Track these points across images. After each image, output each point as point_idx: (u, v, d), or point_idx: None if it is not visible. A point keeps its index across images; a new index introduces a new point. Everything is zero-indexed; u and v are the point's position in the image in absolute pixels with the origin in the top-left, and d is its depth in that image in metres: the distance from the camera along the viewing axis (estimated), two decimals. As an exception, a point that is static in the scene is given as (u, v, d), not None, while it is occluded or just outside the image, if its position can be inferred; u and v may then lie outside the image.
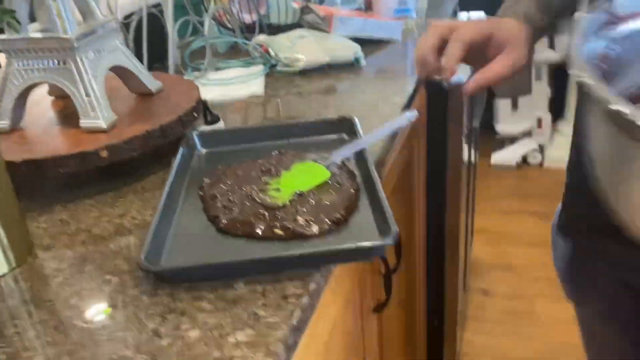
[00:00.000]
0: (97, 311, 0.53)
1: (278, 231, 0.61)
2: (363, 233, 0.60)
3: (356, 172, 0.72)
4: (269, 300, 0.52)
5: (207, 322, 0.50)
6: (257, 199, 0.66)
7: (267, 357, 0.46)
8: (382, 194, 0.62)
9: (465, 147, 1.39)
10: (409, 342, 1.28)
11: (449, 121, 1.27)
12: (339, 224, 0.62)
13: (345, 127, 0.83)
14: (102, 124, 0.76)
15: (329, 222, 0.61)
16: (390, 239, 0.55)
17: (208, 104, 0.87)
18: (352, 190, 0.66)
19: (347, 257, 0.58)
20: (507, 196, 2.54)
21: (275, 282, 0.54)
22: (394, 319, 1.05)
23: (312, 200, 0.65)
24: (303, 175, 0.69)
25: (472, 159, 1.77)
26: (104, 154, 0.72)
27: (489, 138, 2.78)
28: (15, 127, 0.80)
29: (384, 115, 0.91)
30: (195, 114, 0.83)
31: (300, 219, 0.62)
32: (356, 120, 0.81)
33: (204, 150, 0.82)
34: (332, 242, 0.59)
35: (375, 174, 0.66)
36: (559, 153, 2.66)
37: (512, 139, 2.81)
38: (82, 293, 0.56)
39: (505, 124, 2.76)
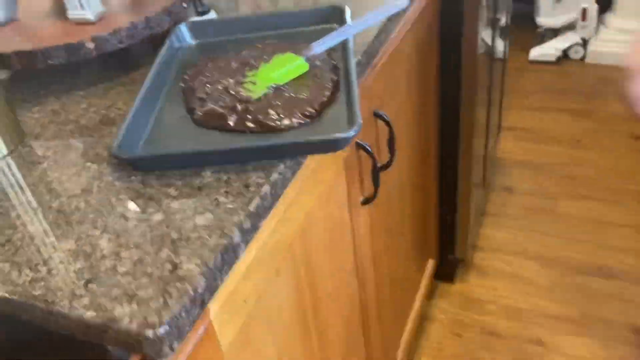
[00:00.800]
0: (72, 194, 0.56)
1: (249, 124, 0.61)
2: (333, 126, 0.60)
3: (341, 64, 0.71)
4: (231, 188, 0.54)
5: (171, 206, 0.53)
6: (232, 92, 0.66)
7: (221, 238, 0.49)
8: (355, 86, 0.61)
9: (485, 38, 1.33)
10: (418, 233, 1.31)
11: (464, 9, 1.20)
12: (312, 118, 0.62)
13: (336, 16, 0.80)
14: (90, 15, 0.76)
15: (301, 115, 0.62)
16: (352, 131, 0.55)
17: (198, -6, 0.85)
18: (329, 84, 0.65)
19: (309, 149, 0.59)
20: (543, 92, 2.45)
21: (240, 172, 0.56)
22: (396, 211, 1.07)
23: (287, 94, 0.65)
24: (281, 68, 0.68)
25: (503, 52, 1.69)
26: (90, 45, 0.73)
27: (529, 31, 2.63)
28: (10, 19, 0.81)
29: (381, 2, 0.87)
30: (184, 4, 0.82)
31: (272, 112, 0.62)
32: (347, 8, 0.79)
33: (193, 42, 0.82)
34: (300, 135, 0.60)
35: (352, 65, 0.65)
36: (603, 48, 2.51)
37: (553, 32, 2.65)
38: (62, 178, 0.59)
39: (546, 16, 2.59)
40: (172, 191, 0.55)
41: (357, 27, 0.72)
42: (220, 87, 0.68)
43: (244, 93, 0.65)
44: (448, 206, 1.52)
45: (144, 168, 0.58)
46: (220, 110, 0.64)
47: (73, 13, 0.76)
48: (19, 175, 0.61)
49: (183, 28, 0.81)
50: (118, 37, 0.74)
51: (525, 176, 2.03)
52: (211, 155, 0.57)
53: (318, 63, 0.70)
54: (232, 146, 0.57)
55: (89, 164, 0.61)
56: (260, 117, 0.62)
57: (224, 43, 0.81)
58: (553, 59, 2.63)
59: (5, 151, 0.64)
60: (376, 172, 0.82)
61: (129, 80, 0.77)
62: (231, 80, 0.68)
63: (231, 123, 0.62)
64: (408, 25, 0.99)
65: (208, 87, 0.68)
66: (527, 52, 2.65)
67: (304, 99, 0.64)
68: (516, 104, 2.36)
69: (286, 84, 0.66)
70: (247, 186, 0.54)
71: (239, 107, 0.64)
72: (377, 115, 0.87)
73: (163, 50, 0.76)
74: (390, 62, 0.92)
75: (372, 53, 0.78)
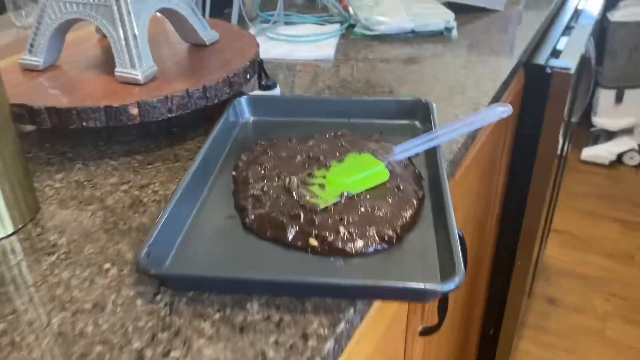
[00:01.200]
0: (80, 309, 0.44)
1: (313, 241, 0.49)
2: (418, 261, 0.48)
3: (424, 173, 0.58)
4: (284, 336, 0.41)
5: (203, 353, 0.40)
6: (294, 194, 0.54)
7: (266, 420, 0.36)
8: (452, 219, 0.49)
9: (560, 141, 1.21)
10: (458, 353, 1.15)
11: (547, 110, 1.09)
12: (391, 243, 0.49)
13: (420, 112, 0.69)
14: (139, 75, 0.66)
15: (377, 239, 0.49)
16: (452, 284, 0.42)
17: (264, 66, 0.75)
18: (413, 201, 0.53)
19: (391, 295, 0.46)
20: (594, 197, 2.30)
21: (297, 312, 0.43)
22: (443, 336, 0.93)
23: (362, 207, 0.52)
24: (356, 172, 0.56)
25: (564, 152, 1.57)
26: (134, 111, 0.62)
27: (583, 130, 2.52)
28: (49, 65, 0.71)
29: (468, 101, 0.76)
30: (247, 76, 0.72)
31: (343, 230, 0.50)
32: (433, 106, 0.67)
33: (251, 119, 0.71)
34: (377, 266, 0.47)
35: (446, 186, 0.53)
36: (661, 157, 2.38)
37: (608, 135, 2.53)
38: (72, 282, 0.47)
39: (604, 117, 2.48)
40: (206, 327, 0.42)
41: (449, 134, 0.61)
42: (280, 185, 0.56)
43: (309, 198, 0.53)
44: (492, 318, 1.36)
45: (175, 287, 0.45)
46: (279, 217, 0.51)
47: (121, 71, 0.66)
48: (22, 267, 0.49)
49: (243, 101, 0.71)
50: (168, 106, 0.64)
51: (571, 288, 1.86)
52: (261, 286, 0.45)
53: (398, 170, 0.58)
54: (294, 279, 0.45)
55: (107, 265, 0.49)
56: (326, 234, 0.49)
57: (287, 125, 0.69)
58: (606, 162, 2.50)
59: (11, 229, 0.53)
60: (446, 297, 0.69)
61: (173, 155, 0.65)
62: (294, 179, 0.56)
63: (290, 236, 0.50)
64: (489, 129, 0.88)
65: (265, 183, 0.56)
66: (579, 151, 2.53)
67: (381, 217, 0.51)
68: (565, 206, 2.21)
69: (361, 193, 0.54)
70: (305, 337, 0.41)
71: (302, 216, 0.51)
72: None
73: (218, 125, 0.65)
74: (466, 172, 0.80)
75: (456, 162, 0.66)
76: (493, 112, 0.63)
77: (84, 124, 0.62)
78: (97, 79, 0.69)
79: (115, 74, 0.67)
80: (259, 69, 0.75)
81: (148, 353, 0.40)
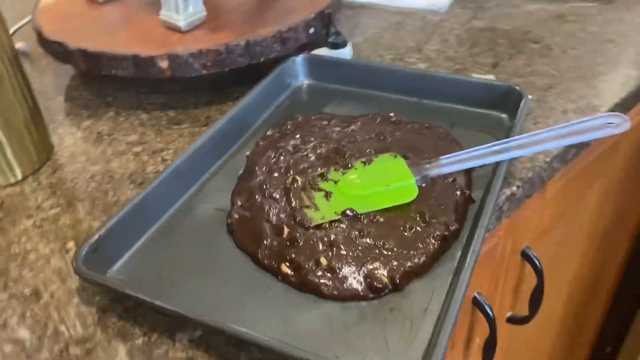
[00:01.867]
0: (14, 295, 0.40)
1: (284, 267, 0.39)
2: (404, 327, 0.36)
3: (479, 196, 0.44)
4: (198, 389, 0.34)
5: (102, 386, 0.34)
6: (292, 199, 0.44)
7: None
8: (461, 289, 0.35)
9: None
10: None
11: None
12: (380, 291, 0.38)
13: (511, 104, 0.53)
14: (180, 21, 0.58)
15: (364, 285, 0.38)
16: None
17: (333, 20, 0.63)
18: (432, 239, 0.40)
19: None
20: None
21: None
22: (535, 336, 0.78)
23: (363, 235, 0.41)
24: (375, 183, 0.44)
25: None
26: (163, 64, 0.55)
27: None
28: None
29: (593, 91, 0.57)
30: (310, 31, 0.61)
31: (325, 262, 0.39)
32: (527, 100, 0.51)
33: (306, 82, 0.61)
34: (348, 323, 0.36)
35: (480, 230, 0.39)
36: None
37: None
38: (28, 259, 0.43)
39: None
40: (121, 353, 0.36)
41: (528, 146, 0.45)
42: (283, 183, 0.46)
43: (306, 208, 0.43)
44: (612, 335, 1.15)
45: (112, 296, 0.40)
46: (260, 226, 0.42)
47: (165, 14, 0.59)
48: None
49: (298, 61, 0.60)
50: (201, 61, 0.56)
51: None
52: (190, 321, 0.37)
53: (438, 188, 0.44)
54: (223, 327, 0.35)
55: (71, 244, 0.44)
56: (302, 262, 0.39)
57: (345, 96, 0.58)
58: None
59: (19, 175, 0.51)
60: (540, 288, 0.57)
61: (205, 117, 0.58)
62: (299, 179, 0.46)
63: (261, 254, 0.41)
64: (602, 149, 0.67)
65: (270, 175, 0.47)
66: None
67: (383, 253, 0.39)
68: None
69: (371, 213, 0.42)
70: (220, 398, 0.33)
71: (285, 231, 0.42)
72: (525, 256, 0.59)
73: (258, 87, 0.56)
74: (562, 192, 0.62)
75: (539, 182, 0.50)
76: (601, 122, 0.45)
77: (113, 71, 0.57)
78: (147, 20, 0.63)
79: (160, 16, 0.60)
80: (327, 23, 0.63)
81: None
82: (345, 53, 0.63)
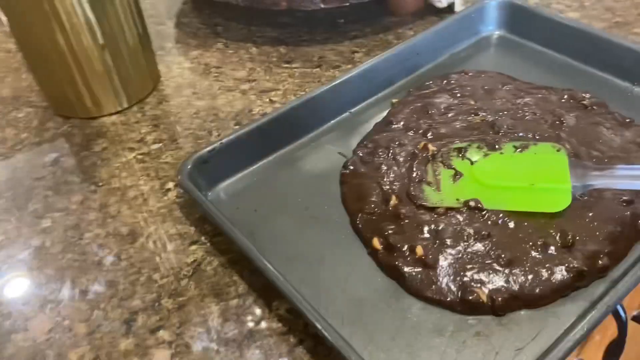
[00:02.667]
0: (110, 234, 0.38)
1: (376, 243, 0.34)
2: (487, 359, 0.30)
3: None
4: (291, 368, 0.30)
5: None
6: (414, 168, 0.38)
7: None
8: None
9: None
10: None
11: None
12: (475, 310, 0.32)
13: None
14: (302, -54, 0.52)
15: (457, 294, 0.32)
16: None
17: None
18: (563, 273, 0.32)
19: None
20: None
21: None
22: None
23: (481, 234, 0.34)
24: (522, 175, 0.36)
25: None
26: (280, -6, 0.50)
27: None
28: None
29: None
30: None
31: (421, 251, 0.33)
32: None
33: (497, 33, 0.52)
34: (418, 323, 0.31)
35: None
36: None
37: None
38: (129, 194, 0.41)
39: None
40: (209, 319, 0.33)
41: None
42: (412, 146, 0.40)
43: (425, 184, 0.37)
44: None
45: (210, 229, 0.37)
46: (369, 189, 0.37)
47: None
48: (101, 155, 0.45)
49: (495, 5, 0.51)
50: (321, -7, 0.50)
51: None
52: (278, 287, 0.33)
53: (601, 207, 0.34)
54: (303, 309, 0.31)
55: (170, 184, 0.42)
56: (396, 241, 0.34)
57: (539, 59, 0.49)
58: None
59: (125, 103, 0.49)
60: None
61: (317, 57, 0.53)
62: (431, 147, 0.39)
63: (357, 218, 0.36)
64: None
65: (402, 134, 0.41)
66: None
67: (493, 266, 0.32)
68: None
69: (501, 212, 0.35)
70: (315, 382, 0.30)
71: (391, 202, 0.36)
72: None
73: (438, 27, 0.49)
74: None
75: None
76: None
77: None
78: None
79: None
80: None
81: (139, 320, 0.33)
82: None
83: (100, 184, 0.42)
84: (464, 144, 0.39)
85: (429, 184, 0.37)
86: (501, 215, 0.35)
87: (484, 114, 0.42)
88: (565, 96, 0.44)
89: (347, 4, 0.51)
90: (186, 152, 0.44)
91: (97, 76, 0.46)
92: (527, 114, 0.42)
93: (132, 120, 0.48)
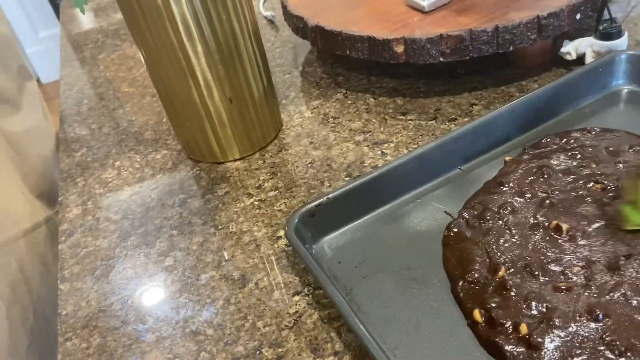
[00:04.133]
0: (223, 276, 0.41)
1: (477, 316, 0.33)
2: None
3: None
4: None
5: (285, 399, 0.33)
6: (530, 239, 0.36)
7: None
8: None
9: None
10: None
11: None
12: None
13: None
14: (424, 0, 0.53)
15: None
16: None
17: (608, 3, 0.51)
18: None
19: None
20: None
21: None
22: None
23: (596, 316, 0.31)
24: None
25: None
26: (399, 49, 0.51)
27: None
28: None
29: None
30: (577, 16, 0.50)
31: (524, 329, 0.31)
32: None
33: (627, 87, 0.49)
34: None
35: None
36: None
37: None
38: (242, 240, 0.44)
39: None
40: (312, 366, 0.34)
41: None
42: (530, 211, 0.38)
43: (624, 205, 0.35)
44: None
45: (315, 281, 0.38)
46: (476, 252, 0.36)
47: (409, -9, 0.55)
48: (223, 200, 0.48)
49: (625, 58, 0.49)
50: (440, 47, 0.50)
51: None
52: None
53: None
54: None
55: (281, 232, 0.44)
56: (500, 315, 0.32)
57: None
58: None
59: (249, 151, 0.52)
60: None
61: (434, 109, 0.53)
62: (563, 227, 0.37)
63: (460, 287, 0.35)
64: None
65: (520, 196, 0.40)
66: None
67: None
68: None
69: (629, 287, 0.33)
70: None
71: (501, 272, 0.35)
72: None
73: (562, 81, 0.47)
74: None
75: None
76: None
77: (348, 52, 0.54)
78: (391, 3, 0.58)
79: (404, -6, 0.56)
80: (601, 6, 0.51)
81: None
82: (620, 45, 0.51)
83: (220, 227, 0.46)
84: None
85: (630, 203, 0.35)
86: (620, 292, 0.32)
87: (606, 182, 0.39)
88: None
89: (467, 57, 0.50)
90: (299, 200, 0.46)
91: (224, 126, 0.50)
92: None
93: (254, 166, 0.51)
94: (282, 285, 0.40)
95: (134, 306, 0.41)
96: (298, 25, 0.59)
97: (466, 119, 0.51)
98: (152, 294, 0.42)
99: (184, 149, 0.55)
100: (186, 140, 0.53)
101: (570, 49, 0.53)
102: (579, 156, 0.42)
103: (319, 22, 0.56)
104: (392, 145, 0.50)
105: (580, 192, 0.39)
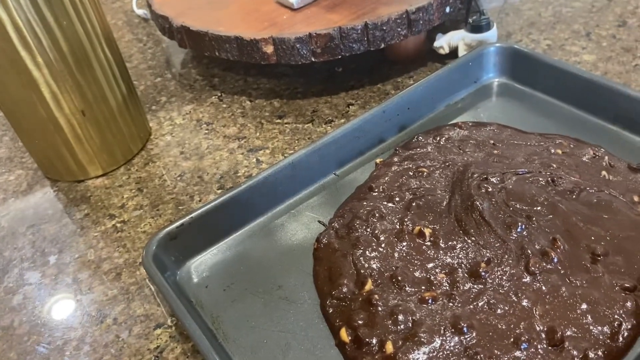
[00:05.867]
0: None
1: (344, 335, 0.31)
2: None
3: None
4: None
5: None
6: (396, 247, 0.35)
7: None
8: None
9: None
10: None
11: None
12: None
13: None
14: (293, -3, 0.51)
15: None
16: None
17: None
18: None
19: None
20: None
21: None
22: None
23: (460, 328, 0.30)
24: None
25: None
26: (269, 49, 0.48)
27: None
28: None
29: None
30: (446, 9, 0.50)
31: (390, 348, 0.30)
32: None
33: (497, 80, 0.49)
34: None
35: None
36: None
37: None
38: (109, 263, 0.40)
39: None
40: None
41: None
42: (397, 218, 0.37)
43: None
44: None
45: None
46: (344, 265, 0.35)
47: (277, -13, 0.52)
48: (82, 223, 0.44)
49: (494, 51, 0.48)
50: (310, 47, 0.48)
51: None
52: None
53: (583, 283, 0.32)
54: None
55: (139, 255, 0.40)
56: (366, 334, 0.30)
57: (549, 109, 0.45)
58: None
59: (106, 168, 0.48)
60: None
61: (311, 110, 0.51)
62: (425, 232, 0.36)
63: (328, 303, 0.33)
64: None
65: (388, 200, 0.38)
66: None
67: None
68: None
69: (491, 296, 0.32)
70: None
71: (368, 286, 0.33)
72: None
73: (432, 78, 0.46)
74: None
75: None
76: None
77: (217, 53, 0.51)
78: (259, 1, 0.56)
79: (272, -10, 0.53)
80: (469, 0, 0.51)
81: None
82: (490, 37, 0.51)
83: (77, 255, 0.41)
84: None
85: None
86: (484, 301, 0.31)
87: (477, 176, 0.38)
88: (594, 150, 0.40)
89: (339, 57, 0.48)
90: (165, 219, 0.43)
91: (79, 141, 0.45)
92: (528, 175, 0.38)
93: (117, 183, 0.47)
94: (143, 317, 0.36)
95: (-25, 356, 0.36)
96: (164, 25, 0.54)
97: (342, 120, 0.49)
98: (-3, 339, 0.37)
99: (39, 167, 0.49)
100: (40, 159, 0.48)
101: (443, 43, 0.53)
102: (453, 148, 0.41)
103: (184, 21, 0.52)
104: (267, 151, 0.47)
105: (445, 182, 0.38)
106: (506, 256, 0.33)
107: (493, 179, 0.37)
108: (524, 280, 0.32)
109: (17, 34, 0.39)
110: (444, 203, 0.37)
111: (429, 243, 0.35)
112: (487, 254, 0.33)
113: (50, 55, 0.41)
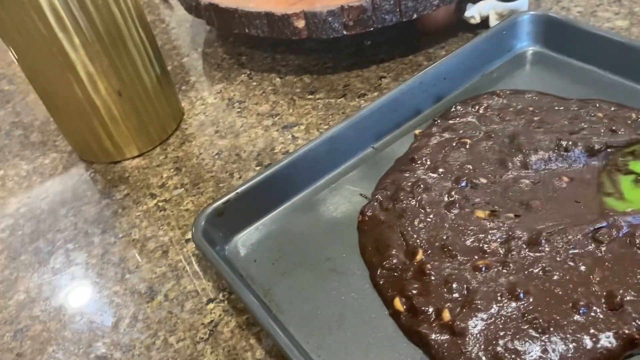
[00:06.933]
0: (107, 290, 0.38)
1: (398, 304, 0.31)
2: None
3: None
4: None
5: None
6: (449, 216, 0.35)
7: None
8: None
9: None
10: None
11: None
12: None
13: None
14: (322, -29, 0.50)
15: None
16: None
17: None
18: (612, 341, 0.29)
19: None
20: None
21: None
22: None
23: (517, 294, 0.30)
24: None
25: None
26: (300, 24, 0.48)
27: None
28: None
29: None
30: (476, -21, 0.49)
31: (447, 316, 0.30)
32: None
33: (532, 48, 0.48)
34: None
35: None
36: None
37: None
38: (154, 241, 0.40)
39: None
40: None
41: None
42: (444, 188, 0.37)
43: (605, 197, 0.34)
44: None
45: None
46: (392, 236, 0.35)
47: (305, -39, 0.51)
48: (123, 203, 0.44)
49: (528, 20, 0.47)
50: (342, 20, 0.48)
51: None
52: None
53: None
54: None
55: (190, 234, 0.41)
56: (421, 303, 0.31)
57: (576, 76, 0.45)
58: None
59: (142, 148, 0.48)
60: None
61: (343, 85, 0.51)
62: (480, 214, 0.36)
63: (378, 274, 0.33)
64: None
65: (433, 170, 0.38)
66: None
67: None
68: None
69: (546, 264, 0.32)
70: None
71: (419, 256, 0.33)
72: None
73: (466, 48, 0.46)
74: None
75: None
76: None
77: (246, 30, 0.51)
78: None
79: (299, -36, 0.52)
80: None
81: None
82: (521, 6, 0.51)
83: (121, 235, 0.42)
84: (633, 147, 0.37)
85: (608, 194, 0.34)
86: (540, 267, 0.31)
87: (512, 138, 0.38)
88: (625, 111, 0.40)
89: (372, 29, 0.48)
90: (207, 197, 0.43)
91: (115, 121, 0.45)
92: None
93: (155, 163, 0.47)
94: (194, 293, 0.37)
95: (29, 335, 0.37)
96: (190, 3, 0.54)
97: (375, 94, 0.49)
98: (49, 316, 0.37)
99: (74, 150, 0.50)
100: (75, 141, 0.48)
101: (474, 12, 0.52)
102: (494, 117, 0.41)
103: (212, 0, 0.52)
104: (302, 127, 0.47)
105: (496, 157, 0.38)
106: (571, 226, 0.33)
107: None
108: (587, 249, 0.32)
109: (54, 15, 0.39)
110: (496, 178, 0.37)
111: (482, 215, 0.35)
112: (549, 223, 0.33)
113: (87, 36, 0.41)
